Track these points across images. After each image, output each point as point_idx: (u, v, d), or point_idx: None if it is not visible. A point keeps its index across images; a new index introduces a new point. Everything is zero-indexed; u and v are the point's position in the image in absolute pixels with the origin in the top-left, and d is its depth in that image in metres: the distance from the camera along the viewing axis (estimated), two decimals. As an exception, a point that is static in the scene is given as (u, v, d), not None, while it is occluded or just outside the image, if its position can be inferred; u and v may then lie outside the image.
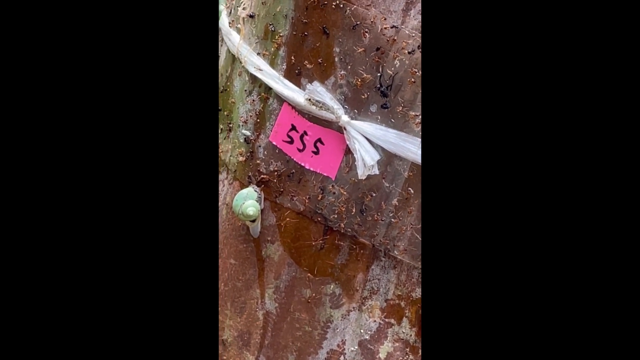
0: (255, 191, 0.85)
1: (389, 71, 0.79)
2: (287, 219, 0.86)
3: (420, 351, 0.86)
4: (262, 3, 0.86)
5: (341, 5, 0.80)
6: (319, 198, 0.84)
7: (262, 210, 0.86)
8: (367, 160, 0.81)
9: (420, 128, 0.80)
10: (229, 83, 0.91)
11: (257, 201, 0.84)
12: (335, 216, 0.84)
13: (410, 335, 0.86)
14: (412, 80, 0.79)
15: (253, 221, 0.85)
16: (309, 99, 0.82)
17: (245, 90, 0.88)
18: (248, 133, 0.88)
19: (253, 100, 0.87)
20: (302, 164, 0.84)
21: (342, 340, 0.87)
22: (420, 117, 0.80)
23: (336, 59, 0.81)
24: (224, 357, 0.91)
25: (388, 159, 0.81)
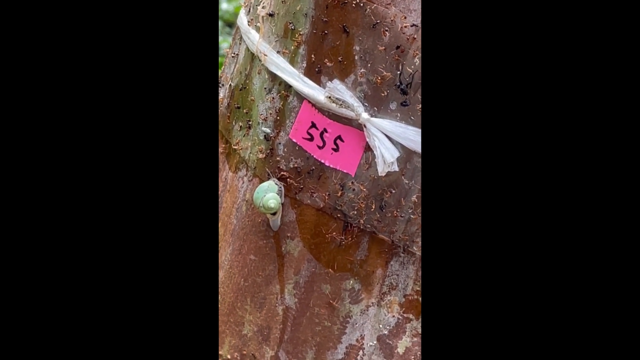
0: (276, 184, 0.86)
1: (408, 69, 0.80)
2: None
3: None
4: (282, 2, 0.87)
5: (361, 4, 0.81)
6: (339, 194, 0.85)
7: (282, 205, 0.87)
8: (386, 157, 0.81)
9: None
10: (247, 81, 0.92)
11: (277, 194, 0.85)
12: (355, 212, 0.85)
13: (429, 330, 0.87)
14: (432, 78, 0.80)
15: (274, 214, 0.86)
16: (329, 97, 0.83)
17: (265, 88, 0.89)
18: (268, 130, 0.89)
19: (273, 97, 0.88)
20: (322, 161, 0.85)
21: (361, 335, 0.88)
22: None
23: (356, 57, 0.82)
24: (244, 352, 0.92)
25: (407, 156, 0.82)
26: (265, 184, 0.86)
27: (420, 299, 0.87)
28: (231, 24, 3.17)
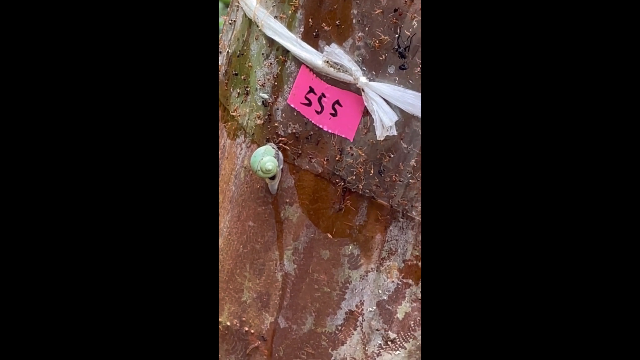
0: (273, 148, 0.86)
1: (406, 32, 0.80)
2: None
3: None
4: (279, -34, 0.86)
5: (359, -33, 0.81)
6: (337, 159, 0.85)
7: (281, 171, 0.87)
8: (385, 122, 0.81)
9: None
10: (245, 47, 0.92)
11: (274, 157, 0.85)
12: (354, 177, 0.85)
13: (428, 295, 0.87)
14: (430, 41, 0.79)
15: (272, 178, 0.86)
16: (327, 61, 0.83)
17: (263, 54, 0.89)
18: (266, 96, 0.88)
19: (270, 63, 0.88)
20: (320, 126, 0.85)
21: (361, 300, 0.88)
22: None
23: (354, 21, 0.82)
24: (243, 319, 0.92)
25: (406, 120, 0.82)
26: (262, 148, 0.86)
27: (419, 264, 0.87)
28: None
